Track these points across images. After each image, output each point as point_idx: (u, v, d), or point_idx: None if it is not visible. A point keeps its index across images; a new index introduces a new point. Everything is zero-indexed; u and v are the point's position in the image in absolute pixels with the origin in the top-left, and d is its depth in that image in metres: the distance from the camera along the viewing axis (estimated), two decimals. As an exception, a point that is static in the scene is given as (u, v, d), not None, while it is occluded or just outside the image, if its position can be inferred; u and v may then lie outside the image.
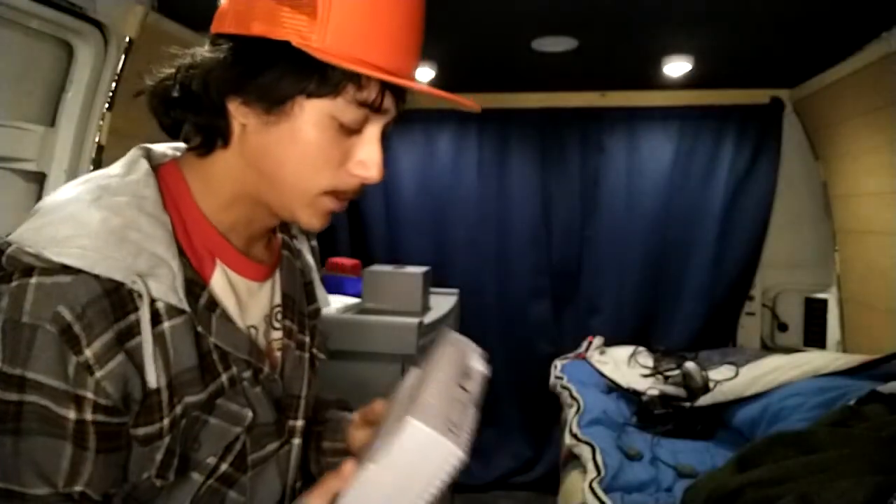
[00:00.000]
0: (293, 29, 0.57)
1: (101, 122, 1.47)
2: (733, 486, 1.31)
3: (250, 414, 0.66)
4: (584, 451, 1.77)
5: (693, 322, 2.87)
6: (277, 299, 0.75)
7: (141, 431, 0.58)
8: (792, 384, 1.91)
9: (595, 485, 1.60)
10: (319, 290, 0.86)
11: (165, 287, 0.58)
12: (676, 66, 2.36)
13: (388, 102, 0.62)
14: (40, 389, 0.52)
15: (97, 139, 1.47)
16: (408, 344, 1.87)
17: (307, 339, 0.79)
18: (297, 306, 0.78)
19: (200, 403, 0.61)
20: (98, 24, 1.39)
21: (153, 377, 0.57)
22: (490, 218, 3.03)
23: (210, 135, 0.64)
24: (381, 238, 3.12)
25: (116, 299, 0.55)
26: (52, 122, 1.41)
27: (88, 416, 0.54)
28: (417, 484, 0.53)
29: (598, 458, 1.71)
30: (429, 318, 2.04)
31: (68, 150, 1.42)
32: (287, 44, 0.56)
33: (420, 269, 2.14)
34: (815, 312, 2.74)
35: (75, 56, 1.41)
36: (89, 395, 0.53)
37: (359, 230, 3.16)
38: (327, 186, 0.63)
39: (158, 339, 0.58)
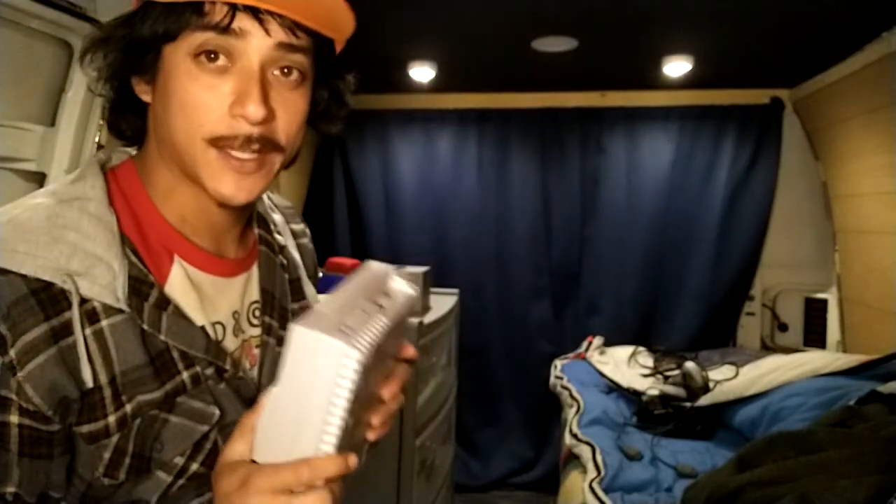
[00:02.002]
0: None
1: (101, 122, 1.47)
2: (733, 486, 1.31)
3: (217, 412, 0.64)
4: (584, 451, 1.77)
5: (693, 322, 2.87)
6: (255, 295, 0.74)
7: (85, 429, 0.57)
8: (792, 384, 1.91)
9: (595, 485, 1.60)
10: (308, 287, 0.83)
11: (100, 287, 0.57)
12: (676, 66, 2.37)
13: (245, 23, 0.58)
14: None
15: (97, 139, 1.47)
16: (408, 344, 1.87)
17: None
18: (279, 302, 0.76)
19: (156, 402, 0.60)
20: (98, 24, 1.39)
21: (88, 375, 0.56)
22: (490, 218, 3.03)
23: (131, 124, 0.66)
24: (381, 238, 3.12)
25: (46, 298, 0.55)
26: (52, 122, 1.41)
27: (13, 418, 0.53)
28: (318, 394, 0.49)
29: (598, 458, 1.72)
30: (429, 318, 2.04)
31: (68, 150, 1.41)
32: (145, 6, 0.59)
33: (420, 269, 2.14)
34: (815, 312, 2.75)
35: (75, 56, 1.40)
36: (12, 396, 0.53)
37: (359, 230, 3.16)
38: (208, 134, 0.59)
39: (97, 336, 0.58)
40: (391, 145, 3.10)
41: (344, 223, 3.16)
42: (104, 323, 0.58)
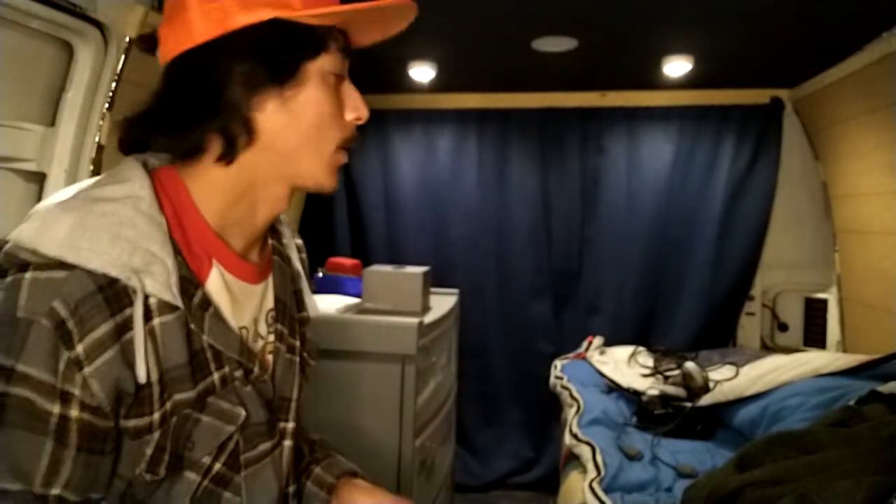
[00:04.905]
0: (271, 5, 0.61)
1: (101, 122, 1.46)
2: (733, 486, 1.31)
3: (243, 413, 0.66)
4: (584, 451, 1.77)
5: (693, 322, 2.87)
6: (270, 303, 0.76)
7: (132, 424, 0.58)
8: (792, 384, 1.91)
9: (595, 485, 1.60)
10: (308, 297, 0.86)
11: (160, 284, 0.58)
12: (676, 66, 2.36)
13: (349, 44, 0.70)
14: (28, 382, 0.52)
15: (97, 139, 1.46)
16: (408, 344, 1.87)
17: (297, 344, 0.80)
18: (289, 311, 0.79)
19: (190, 401, 0.62)
20: (98, 24, 1.38)
21: (142, 371, 0.57)
22: (490, 218, 3.03)
23: (234, 136, 0.64)
24: (381, 238, 3.12)
25: (111, 294, 0.56)
26: (52, 122, 1.41)
27: (73, 412, 0.54)
28: None
29: (598, 458, 1.71)
30: (429, 318, 2.04)
31: (68, 150, 1.41)
32: (273, 21, 0.61)
33: (420, 269, 2.14)
34: (815, 312, 2.74)
35: (75, 56, 1.40)
36: (76, 391, 0.54)
37: (359, 230, 3.16)
38: (340, 140, 0.69)
39: (150, 334, 0.59)
40: (391, 145, 3.10)
41: (344, 223, 3.16)
42: (156, 321, 0.59)
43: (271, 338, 0.75)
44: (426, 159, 3.09)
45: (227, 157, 0.65)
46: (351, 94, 0.70)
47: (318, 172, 0.69)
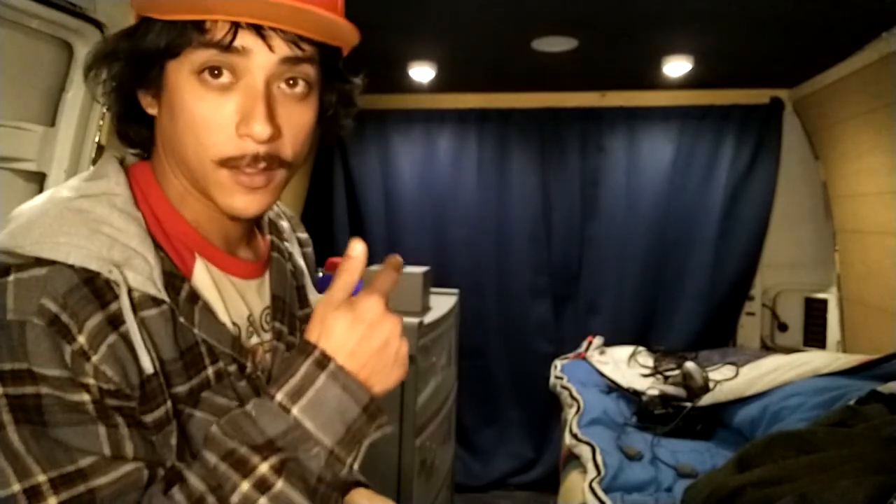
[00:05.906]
0: (138, 5, 0.60)
1: (101, 122, 1.46)
2: (733, 486, 1.31)
3: None
4: (584, 451, 1.77)
5: (693, 322, 2.87)
6: (267, 301, 0.74)
7: (150, 418, 0.57)
8: (792, 384, 1.91)
9: (595, 485, 1.60)
10: (312, 294, 0.84)
11: (142, 277, 0.57)
12: (676, 66, 2.37)
13: (248, 40, 0.57)
14: (48, 381, 0.51)
15: (97, 139, 1.46)
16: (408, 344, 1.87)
17: (297, 342, 0.77)
18: (289, 308, 0.77)
19: (183, 396, 0.61)
20: (98, 24, 1.38)
21: (147, 361, 0.56)
22: (490, 218, 3.03)
23: (137, 134, 0.67)
24: (381, 238, 3.12)
25: (95, 288, 0.55)
26: (52, 122, 1.41)
27: (103, 399, 0.53)
28: None
29: (598, 458, 1.72)
30: (429, 318, 2.04)
31: (68, 150, 1.41)
32: (145, 22, 0.60)
33: (420, 269, 2.14)
34: (815, 312, 2.75)
35: (75, 56, 1.40)
36: (91, 381, 0.53)
37: (359, 230, 3.16)
38: (217, 156, 0.59)
39: (141, 325, 0.57)
40: (391, 145, 3.10)
41: (344, 223, 3.16)
42: (141, 315, 0.58)
43: (268, 336, 0.73)
44: (426, 159, 3.09)
45: (144, 150, 0.68)
46: (241, 102, 0.58)
47: (207, 188, 0.62)
